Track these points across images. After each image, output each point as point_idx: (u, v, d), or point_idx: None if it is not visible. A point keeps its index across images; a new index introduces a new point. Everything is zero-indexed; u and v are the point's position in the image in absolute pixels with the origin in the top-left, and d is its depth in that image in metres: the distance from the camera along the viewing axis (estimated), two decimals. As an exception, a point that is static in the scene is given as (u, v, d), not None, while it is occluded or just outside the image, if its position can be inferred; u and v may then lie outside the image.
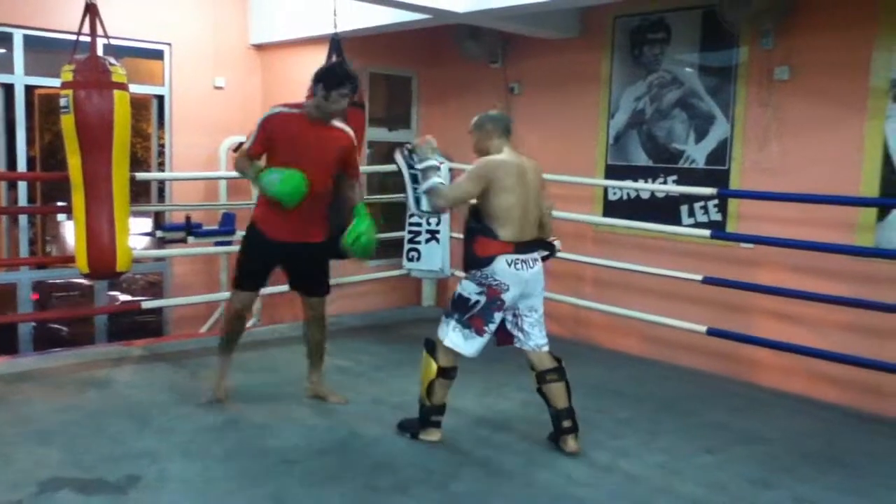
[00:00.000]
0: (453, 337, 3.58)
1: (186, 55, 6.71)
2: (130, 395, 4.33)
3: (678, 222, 5.42)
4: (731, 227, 5.21)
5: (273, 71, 7.12)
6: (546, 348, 3.75)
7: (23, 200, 6.15)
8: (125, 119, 4.50)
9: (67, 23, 4.93)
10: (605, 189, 5.89)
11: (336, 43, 5.54)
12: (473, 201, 3.63)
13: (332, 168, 3.94)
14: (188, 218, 5.79)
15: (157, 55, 6.65)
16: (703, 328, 4.95)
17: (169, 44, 6.65)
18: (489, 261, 3.50)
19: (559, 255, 5.75)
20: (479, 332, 3.57)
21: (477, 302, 3.53)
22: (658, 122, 5.58)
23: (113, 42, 4.53)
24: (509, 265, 3.50)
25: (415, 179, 3.69)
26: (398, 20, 5.70)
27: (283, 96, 6.81)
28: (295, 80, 6.34)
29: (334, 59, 5.51)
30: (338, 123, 3.93)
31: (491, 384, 4.71)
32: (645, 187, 5.60)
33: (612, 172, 5.85)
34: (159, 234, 5.77)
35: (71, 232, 4.87)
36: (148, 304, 5.86)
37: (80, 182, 4.45)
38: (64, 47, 5.25)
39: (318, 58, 5.82)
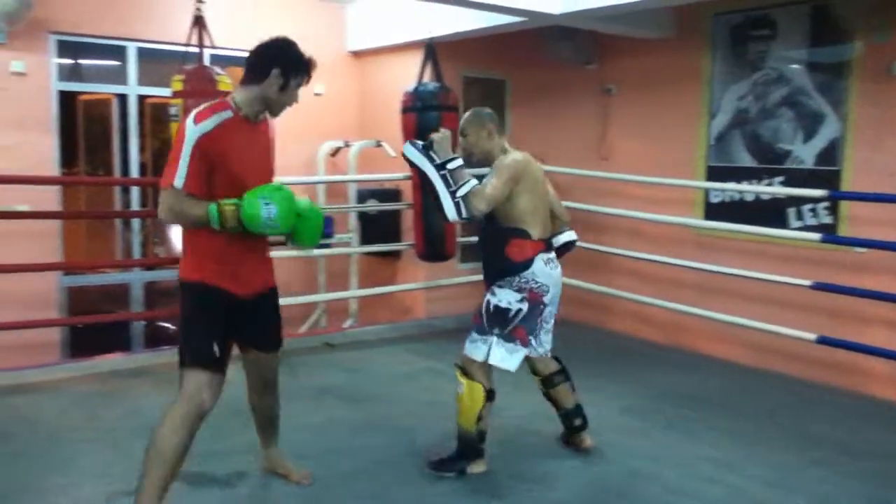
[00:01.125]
0: (497, 354, 3.26)
1: (287, 63, 6.91)
2: (234, 392, 4.45)
3: (784, 225, 5.20)
4: (842, 231, 4.95)
5: (369, 77, 7.25)
6: (550, 352, 3.54)
7: (136, 204, 6.48)
8: (231, 126, 4.66)
9: (177, 35, 5.17)
10: (706, 192, 5.71)
11: (431, 48, 5.59)
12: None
13: (271, 176, 2.97)
14: (288, 221, 5.95)
15: (260, 64, 6.88)
16: (813, 336, 4.72)
17: (270, 53, 6.86)
18: (529, 263, 3.26)
19: (656, 259, 5.69)
20: (524, 343, 3.30)
21: (519, 310, 3.25)
22: (763, 122, 5.37)
23: (218, 52, 4.71)
24: (545, 264, 3.30)
25: (444, 181, 3.16)
26: (492, 23, 5.71)
27: (379, 101, 6.97)
28: (391, 86, 6.45)
29: (428, 64, 5.57)
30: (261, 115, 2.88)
31: (587, 389, 4.63)
32: (750, 189, 5.39)
33: (713, 174, 5.67)
34: (261, 236, 5.94)
35: (177, 234, 5.09)
36: (250, 304, 6.05)
37: (190, 187, 4.63)
38: (173, 58, 5.51)
39: (413, 63, 5.90)
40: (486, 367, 3.31)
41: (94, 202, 7.32)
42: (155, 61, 6.35)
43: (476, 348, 3.30)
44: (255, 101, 2.77)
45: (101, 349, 5.40)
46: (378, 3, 6.80)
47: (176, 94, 4.67)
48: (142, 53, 6.28)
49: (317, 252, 6.36)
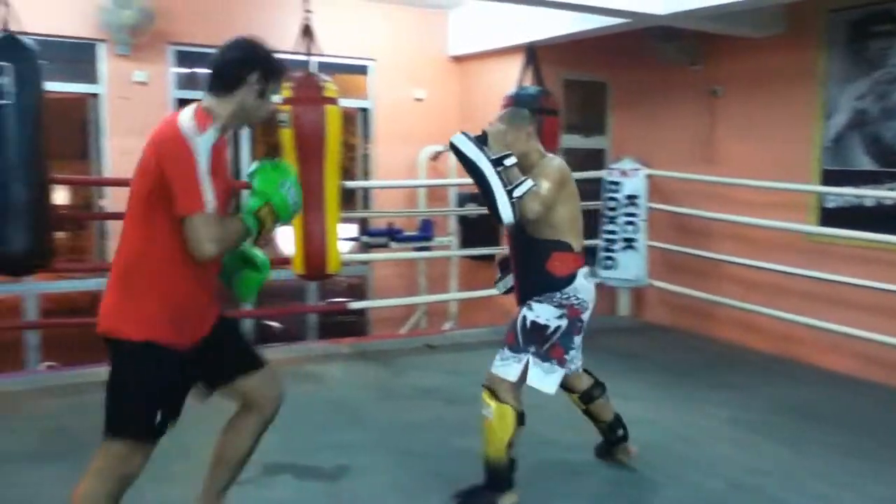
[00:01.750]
0: (534, 374, 2.99)
1: (389, 69, 7.08)
2: (339, 390, 4.63)
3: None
4: (972, 238, 4.64)
5: (470, 81, 7.32)
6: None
7: (245, 207, 6.74)
8: (336, 131, 4.82)
9: (285, 43, 5.35)
10: (820, 196, 5.46)
11: (531, 51, 5.59)
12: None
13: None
14: (390, 224, 6.08)
15: (362, 70, 7.07)
16: (938, 350, 4.44)
17: (373, 59, 7.04)
18: (571, 279, 3.03)
19: (765, 265, 5.48)
20: (562, 363, 3.01)
21: (558, 328, 2.99)
22: (886, 123, 5.09)
23: (324, 60, 4.85)
24: (585, 279, 3.08)
25: (500, 179, 2.88)
26: (594, 25, 5.66)
27: (479, 105, 7.02)
28: (491, 90, 6.48)
29: (529, 67, 5.57)
30: None
31: (692, 398, 4.52)
32: (871, 194, 5.11)
33: (828, 178, 5.42)
34: (364, 239, 6.10)
35: (281, 237, 5.27)
36: (355, 304, 6.22)
37: (297, 190, 4.80)
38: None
39: (513, 67, 5.91)
40: (517, 388, 3.02)
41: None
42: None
43: (508, 367, 3.01)
44: (231, 114, 2.31)
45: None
46: (479, 8, 6.85)
47: (285, 101, 4.84)
48: (253, 62, 6.55)
49: (417, 255, 6.47)
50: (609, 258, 6.14)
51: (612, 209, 6.24)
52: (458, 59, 7.36)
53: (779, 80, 5.75)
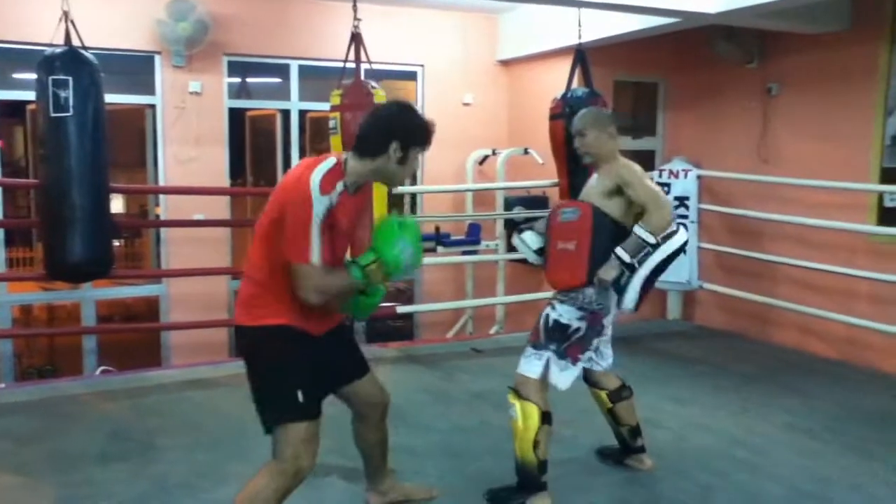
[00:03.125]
0: (553, 371, 3.05)
1: (437, 74, 7.11)
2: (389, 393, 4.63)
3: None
4: None
5: (518, 85, 7.30)
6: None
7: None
8: (385, 137, 4.84)
9: (335, 52, 5.42)
10: (881, 195, 5.29)
11: (581, 53, 5.54)
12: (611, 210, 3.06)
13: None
14: (437, 228, 6.09)
15: (411, 76, 7.11)
16: None
17: (422, 65, 7.08)
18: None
19: (825, 268, 5.32)
20: (574, 361, 3.07)
21: (578, 329, 3.03)
22: (949, 118, 4.92)
23: (373, 66, 4.89)
24: None
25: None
26: (645, 26, 5.59)
27: (527, 109, 7.00)
28: (538, 93, 6.45)
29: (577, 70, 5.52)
30: None
31: (749, 403, 4.42)
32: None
33: (889, 176, 5.24)
34: (412, 243, 6.11)
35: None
36: (402, 309, 6.24)
37: (347, 195, 4.85)
38: (332, 74, 5.78)
39: (561, 69, 5.87)
40: (543, 387, 3.06)
41: (259, 211, 7.80)
42: (315, 77, 6.71)
43: (531, 364, 3.08)
44: (368, 174, 2.46)
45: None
46: (527, 11, 6.83)
47: (335, 108, 4.89)
48: (303, 70, 6.65)
49: (465, 259, 6.46)
50: (660, 261, 6.05)
51: (663, 211, 6.13)
52: (506, 63, 7.35)
53: (838, 76, 5.59)
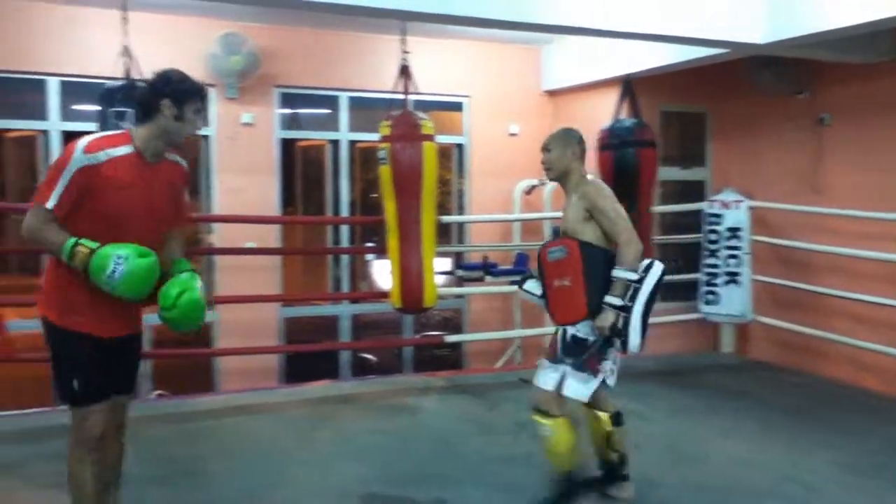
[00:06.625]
0: (571, 385, 3.17)
1: (483, 105, 7.18)
2: (434, 423, 4.65)
3: None
4: None
5: (564, 115, 7.31)
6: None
7: (345, 241, 6.95)
8: (433, 168, 4.93)
9: (384, 83, 5.53)
10: (939, 227, 5.16)
11: (628, 84, 5.56)
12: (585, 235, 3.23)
13: (167, 221, 2.82)
14: (485, 258, 6.12)
15: (457, 107, 7.19)
16: None
17: (468, 96, 7.16)
18: None
19: (879, 300, 5.18)
20: (595, 373, 3.17)
21: (596, 341, 3.16)
22: None
23: (421, 98, 4.97)
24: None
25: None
26: (692, 56, 5.57)
27: (573, 139, 6.99)
28: (585, 124, 6.43)
29: (626, 100, 5.53)
30: (169, 154, 2.79)
31: (802, 440, 4.31)
32: None
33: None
34: (459, 272, 6.15)
35: (378, 270, 5.39)
36: (450, 338, 6.26)
37: (395, 225, 4.94)
38: (380, 105, 5.90)
39: (608, 100, 5.89)
40: (561, 399, 3.20)
41: (309, 240, 7.95)
42: (364, 108, 6.83)
43: (546, 377, 3.22)
44: (153, 136, 2.65)
45: (313, 376, 5.82)
46: (573, 42, 6.86)
47: (384, 139, 4.98)
48: (352, 102, 6.79)
49: (512, 288, 6.45)
50: (711, 293, 5.96)
51: (713, 242, 6.06)
52: (552, 94, 7.39)
53: (891, 105, 5.49)
